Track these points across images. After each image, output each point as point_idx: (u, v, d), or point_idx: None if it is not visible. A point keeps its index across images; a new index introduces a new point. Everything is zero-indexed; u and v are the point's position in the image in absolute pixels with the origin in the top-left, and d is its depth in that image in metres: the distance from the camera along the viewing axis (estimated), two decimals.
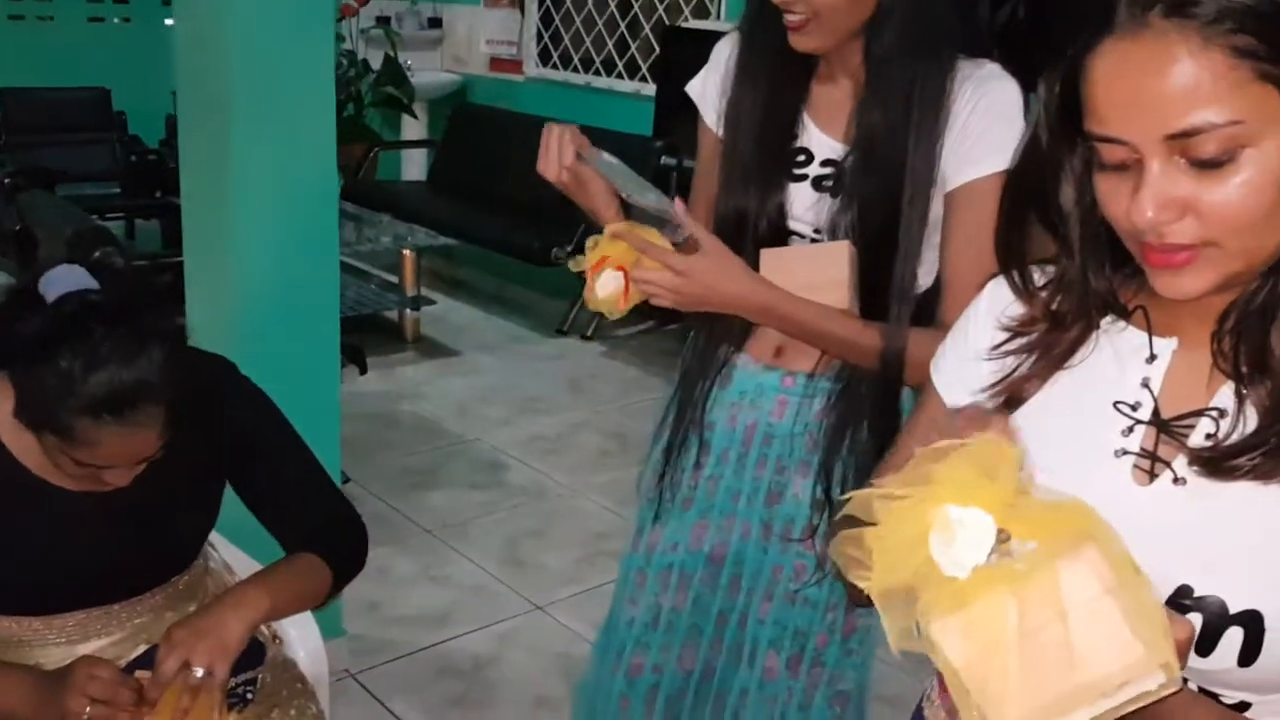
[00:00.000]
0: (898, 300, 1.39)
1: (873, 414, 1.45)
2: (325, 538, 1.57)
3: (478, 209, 5.63)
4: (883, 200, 1.37)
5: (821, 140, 1.45)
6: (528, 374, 4.73)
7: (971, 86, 1.35)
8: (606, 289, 1.37)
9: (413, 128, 6.66)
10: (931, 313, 1.41)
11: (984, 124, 1.34)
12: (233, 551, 1.75)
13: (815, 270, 1.39)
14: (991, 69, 1.37)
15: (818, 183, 1.44)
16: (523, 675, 2.68)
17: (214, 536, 1.67)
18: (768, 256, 1.41)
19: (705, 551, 1.56)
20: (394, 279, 5.06)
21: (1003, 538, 0.70)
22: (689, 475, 1.57)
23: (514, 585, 3.07)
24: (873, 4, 1.34)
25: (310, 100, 2.23)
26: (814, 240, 1.45)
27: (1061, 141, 0.83)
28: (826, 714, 1.54)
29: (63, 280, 1.30)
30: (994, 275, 0.94)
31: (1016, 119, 1.34)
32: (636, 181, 1.39)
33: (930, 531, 0.71)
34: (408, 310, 5.00)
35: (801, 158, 1.45)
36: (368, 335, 4.78)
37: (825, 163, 1.44)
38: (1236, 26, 0.71)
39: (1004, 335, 0.92)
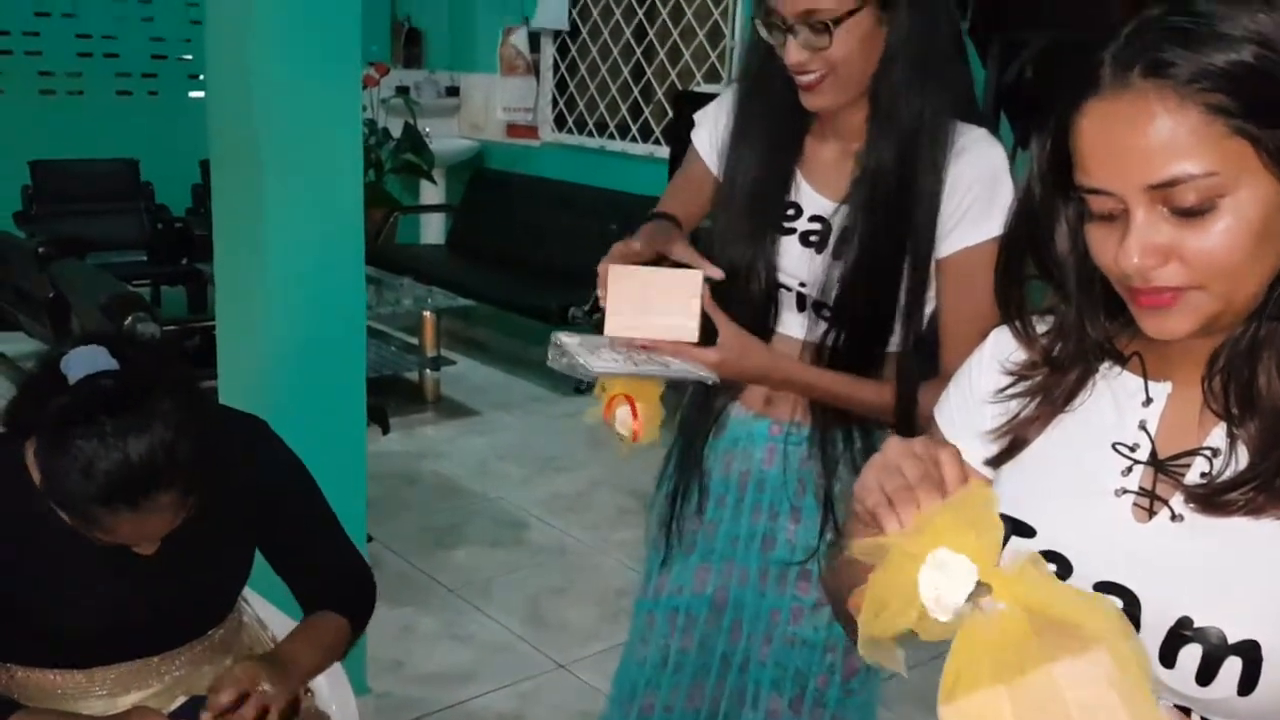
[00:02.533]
0: (903, 345, 1.46)
1: (853, 455, 1.51)
2: (343, 594, 1.65)
3: (495, 271, 5.72)
4: (878, 253, 1.42)
5: (812, 196, 1.50)
6: (546, 432, 4.78)
7: (963, 153, 1.40)
8: (623, 422, 1.47)
9: (431, 192, 6.78)
10: (906, 369, 1.47)
11: (976, 190, 1.39)
12: (266, 607, 1.79)
13: (666, 297, 1.39)
14: (979, 134, 1.42)
15: (805, 238, 1.49)
16: None
17: (247, 591, 1.72)
18: (618, 274, 1.40)
19: (708, 594, 1.60)
20: (414, 340, 5.14)
21: (981, 591, 0.74)
22: (691, 520, 1.62)
23: (536, 643, 3.10)
24: (880, 52, 1.39)
25: (339, 168, 2.31)
26: (800, 294, 1.50)
27: (1054, 194, 0.89)
28: None
29: (83, 362, 1.33)
30: (997, 325, 0.99)
31: (1006, 182, 1.40)
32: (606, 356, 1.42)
33: (920, 573, 0.75)
34: (428, 371, 5.06)
35: (791, 212, 1.50)
36: (389, 396, 4.84)
37: (813, 218, 1.49)
38: (1210, 86, 0.77)
39: (1007, 380, 0.97)
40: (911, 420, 1.43)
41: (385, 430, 4.50)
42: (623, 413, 1.46)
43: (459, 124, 7.04)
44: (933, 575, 0.74)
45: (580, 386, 5.26)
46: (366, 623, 1.68)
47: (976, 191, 1.40)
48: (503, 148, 6.76)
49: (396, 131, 6.42)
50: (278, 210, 2.25)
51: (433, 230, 6.91)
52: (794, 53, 1.39)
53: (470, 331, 6.14)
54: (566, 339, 1.42)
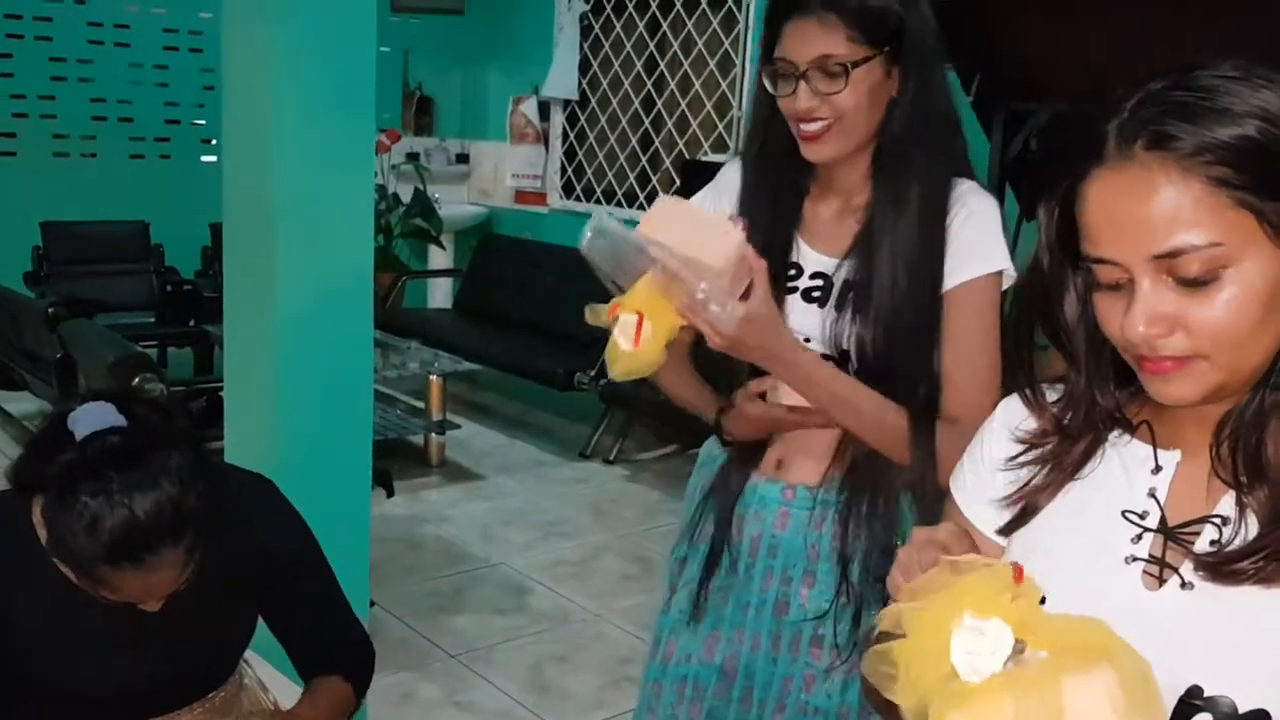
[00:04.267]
0: (918, 386, 1.45)
1: (874, 525, 1.50)
2: (342, 661, 1.64)
3: (502, 335, 5.75)
4: (884, 301, 1.44)
5: (812, 256, 1.53)
6: (551, 498, 4.76)
7: (958, 201, 1.46)
8: (624, 328, 1.34)
9: (440, 257, 6.83)
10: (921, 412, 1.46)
11: (971, 233, 1.44)
12: (268, 669, 1.78)
13: (705, 233, 1.31)
14: (970, 185, 1.48)
15: (807, 294, 1.51)
16: None
17: (248, 654, 1.70)
18: (664, 200, 1.35)
19: (717, 663, 1.58)
20: (420, 404, 5.14)
21: (1018, 648, 0.74)
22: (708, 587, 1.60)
23: (539, 711, 3.06)
24: (884, 105, 1.44)
25: (350, 232, 2.34)
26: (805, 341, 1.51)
27: (1063, 263, 0.90)
28: None
29: (91, 419, 1.33)
30: (1006, 390, 1.00)
31: (998, 226, 1.46)
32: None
33: (952, 638, 0.74)
34: (433, 434, 5.06)
35: (793, 272, 1.53)
36: (394, 459, 4.83)
37: (814, 275, 1.51)
38: (1213, 159, 0.78)
39: (1018, 448, 0.97)
40: (928, 456, 1.43)
41: (390, 493, 4.49)
42: (627, 319, 1.34)
43: (468, 190, 7.12)
44: (965, 640, 0.74)
45: (585, 452, 5.26)
46: (366, 691, 1.67)
47: (969, 232, 1.44)
48: (511, 214, 6.82)
49: (406, 197, 6.49)
50: (288, 273, 2.27)
51: (440, 295, 6.95)
52: (804, 99, 1.42)
53: (476, 395, 6.15)
54: (612, 219, 1.33)
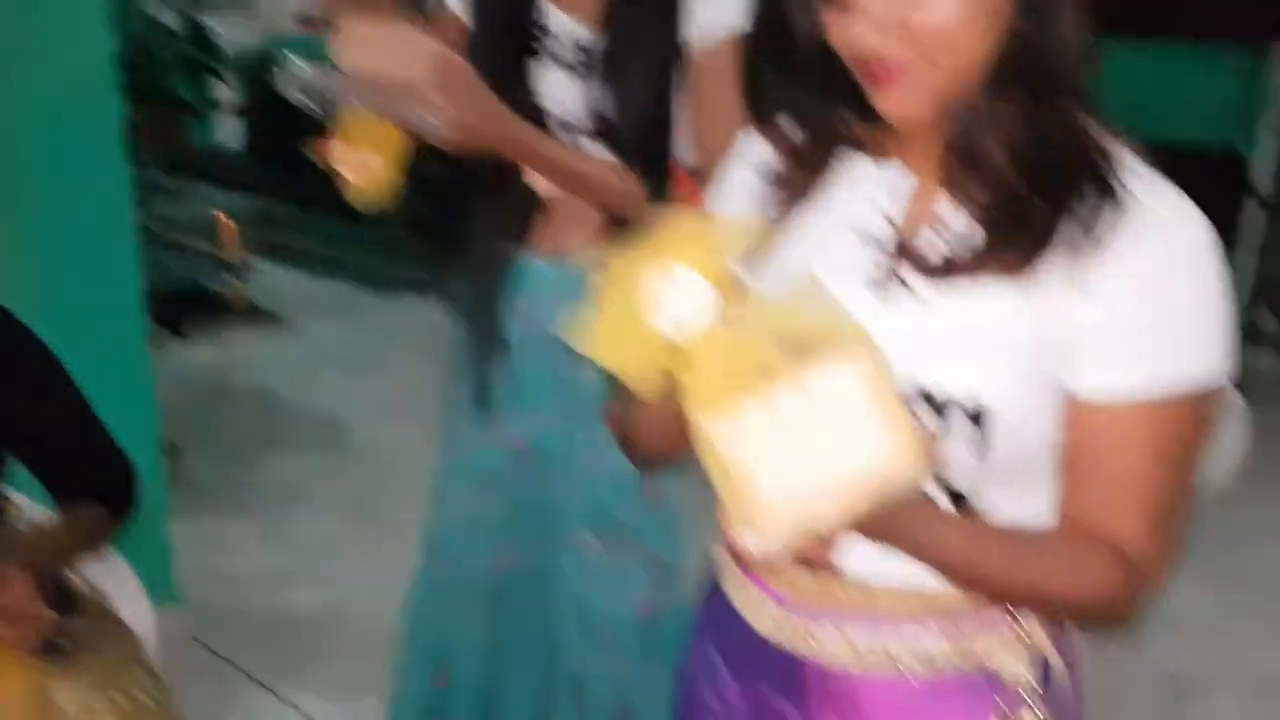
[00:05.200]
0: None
1: None
2: (98, 483, 1.55)
3: (297, 172, 5.48)
4: (645, 70, 1.42)
5: (559, 18, 1.47)
6: (362, 337, 4.66)
7: None
8: (345, 164, 1.40)
9: (225, 94, 6.43)
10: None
11: None
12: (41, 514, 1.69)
13: (397, 56, 1.30)
14: None
15: (563, 62, 1.47)
16: (375, 622, 2.66)
17: (20, 499, 1.61)
18: (349, 29, 1.34)
19: (509, 447, 1.58)
20: (214, 249, 4.91)
21: (720, 302, 0.72)
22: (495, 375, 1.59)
23: (360, 541, 3.04)
24: None
25: (83, 44, 2.14)
26: (564, 125, 1.48)
27: None
28: (643, 578, 1.58)
29: None
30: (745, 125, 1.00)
31: None
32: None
33: (645, 290, 0.73)
34: (233, 279, 4.86)
35: (538, 33, 1.47)
36: (193, 307, 4.63)
37: (577, 48, 1.46)
38: None
39: (757, 176, 0.98)
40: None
41: (180, 336, 4.30)
42: (344, 153, 1.40)
43: (250, 21, 6.67)
44: (660, 291, 0.72)
45: (395, 285, 5.13)
46: (128, 511, 1.58)
47: None
48: (298, 43, 6.44)
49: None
50: (27, 106, 2.09)
51: (231, 134, 6.58)
52: None
53: (274, 236, 5.89)
54: (303, 64, 1.34)
